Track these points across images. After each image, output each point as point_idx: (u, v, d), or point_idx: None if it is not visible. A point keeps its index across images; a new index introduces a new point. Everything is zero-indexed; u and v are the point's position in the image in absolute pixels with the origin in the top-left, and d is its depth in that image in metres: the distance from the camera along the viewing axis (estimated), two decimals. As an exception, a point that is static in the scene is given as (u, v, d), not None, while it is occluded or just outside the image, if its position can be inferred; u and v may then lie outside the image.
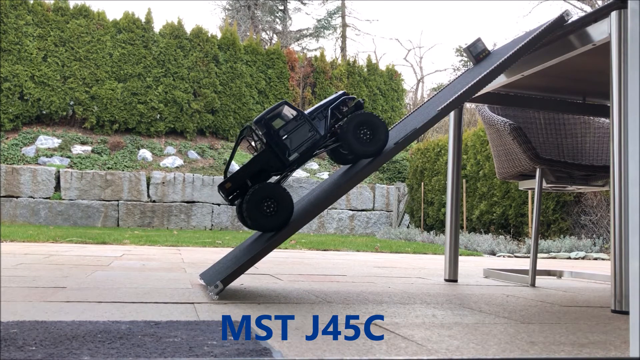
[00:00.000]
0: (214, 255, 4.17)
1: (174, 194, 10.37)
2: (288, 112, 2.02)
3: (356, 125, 2.01)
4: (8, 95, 11.05)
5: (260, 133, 2.01)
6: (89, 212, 9.88)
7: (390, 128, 2.32)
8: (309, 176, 11.92)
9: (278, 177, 2.11)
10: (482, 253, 6.46)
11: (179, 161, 11.41)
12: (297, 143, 2.01)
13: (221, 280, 1.78)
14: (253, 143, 2.11)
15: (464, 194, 8.83)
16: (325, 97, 12.79)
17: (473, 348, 1.16)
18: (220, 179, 10.63)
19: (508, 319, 1.58)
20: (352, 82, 14.18)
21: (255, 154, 2.05)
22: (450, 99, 2.02)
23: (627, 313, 1.74)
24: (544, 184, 2.68)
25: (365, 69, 14.51)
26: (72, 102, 11.60)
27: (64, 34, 11.61)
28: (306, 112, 2.04)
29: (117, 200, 10.08)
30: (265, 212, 1.93)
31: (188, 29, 13.05)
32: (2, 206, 9.47)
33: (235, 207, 2.14)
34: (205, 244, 5.72)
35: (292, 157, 2.01)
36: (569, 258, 6.21)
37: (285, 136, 2.00)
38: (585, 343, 1.25)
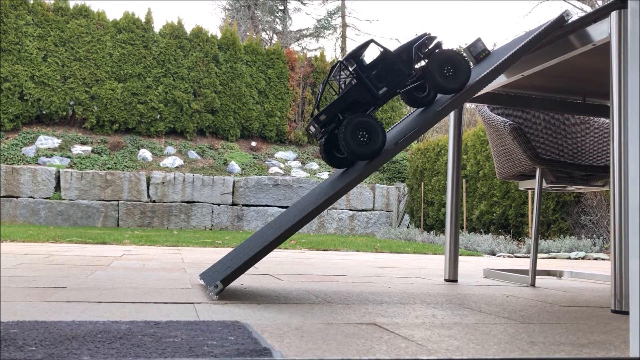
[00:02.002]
0: (214, 255, 4.17)
1: (174, 194, 10.37)
2: (376, 49, 2.10)
3: (441, 62, 2.05)
4: (8, 95, 11.06)
5: (351, 68, 2.05)
6: (89, 212, 9.88)
7: (389, 129, 2.33)
8: (309, 176, 11.92)
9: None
10: (482, 253, 6.46)
11: (179, 161, 11.42)
12: (386, 78, 2.05)
13: (221, 280, 1.78)
14: (341, 82, 2.15)
15: (464, 194, 8.83)
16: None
17: (473, 348, 1.16)
18: (220, 178, 10.63)
19: (508, 319, 1.58)
20: (352, 82, 14.16)
21: (346, 88, 2.09)
22: (450, 99, 2.02)
23: (627, 313, 1.74)
24: (544, 184, 2.68)
25: (365, 69, 14.48)
26: (72, 102, 11.60)
27: (64, 34, 11.61)
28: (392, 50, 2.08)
29: (117, 200, 10.08)
30: (360, 141, 1.98)
31: (188, 29, 13.06)
32: (2, 206, 9.47)
33: (321, 146, 2.18)
34: (205, 244, 5.72)
35: (382, 92, 2.04)
36: (569, 258, 6.21)
37: (375, 71, 2.05)
38: (585, 343, 1.25)
